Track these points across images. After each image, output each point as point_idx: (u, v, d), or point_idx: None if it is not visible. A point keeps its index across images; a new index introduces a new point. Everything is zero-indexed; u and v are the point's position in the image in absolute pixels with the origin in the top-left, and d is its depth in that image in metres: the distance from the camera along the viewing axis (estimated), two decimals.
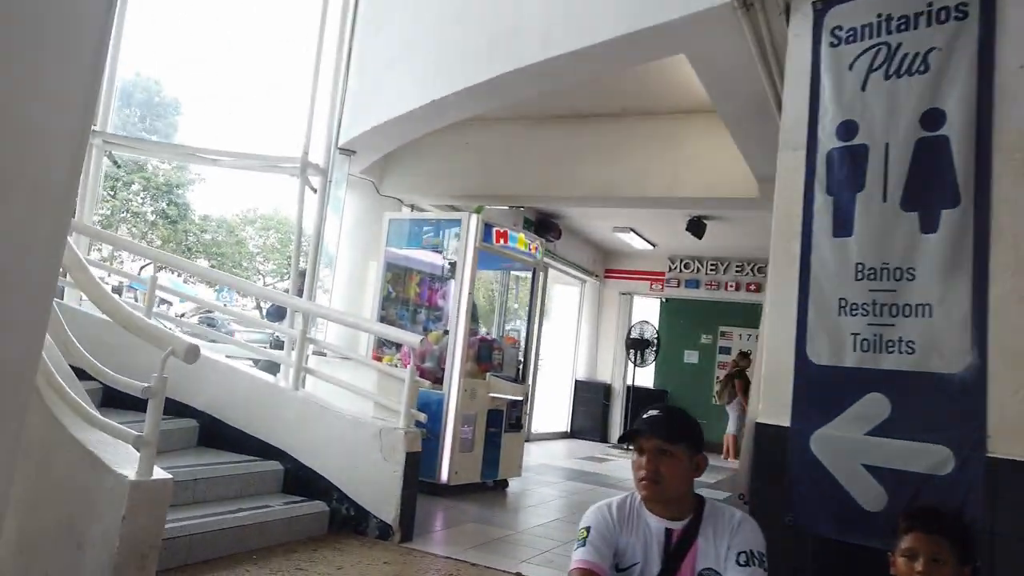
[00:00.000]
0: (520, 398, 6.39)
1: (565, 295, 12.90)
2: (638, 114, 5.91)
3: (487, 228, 6.02)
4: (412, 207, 7.41)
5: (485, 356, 6.33)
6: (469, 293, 5.92)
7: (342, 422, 4.46)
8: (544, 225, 9.72)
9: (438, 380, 6.01)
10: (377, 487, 4.32)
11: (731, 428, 11.73)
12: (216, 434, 4.71)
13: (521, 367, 6.73)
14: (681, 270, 12.25)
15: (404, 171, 7.06)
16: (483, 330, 6.78)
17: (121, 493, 2.75)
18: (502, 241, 6.14)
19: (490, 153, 6.69)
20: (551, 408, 12.19)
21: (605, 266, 12.87)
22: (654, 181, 5.86)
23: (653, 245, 11.61)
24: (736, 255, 11.72)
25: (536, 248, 6.63)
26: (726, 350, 13.27)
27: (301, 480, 4.49)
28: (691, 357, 13.56)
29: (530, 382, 6.77)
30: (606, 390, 12.49)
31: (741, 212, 8.53)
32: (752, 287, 11.73)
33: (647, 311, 13.62)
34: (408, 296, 6.71)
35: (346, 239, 6.95)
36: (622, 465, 9.50)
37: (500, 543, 4.63)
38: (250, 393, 4.72)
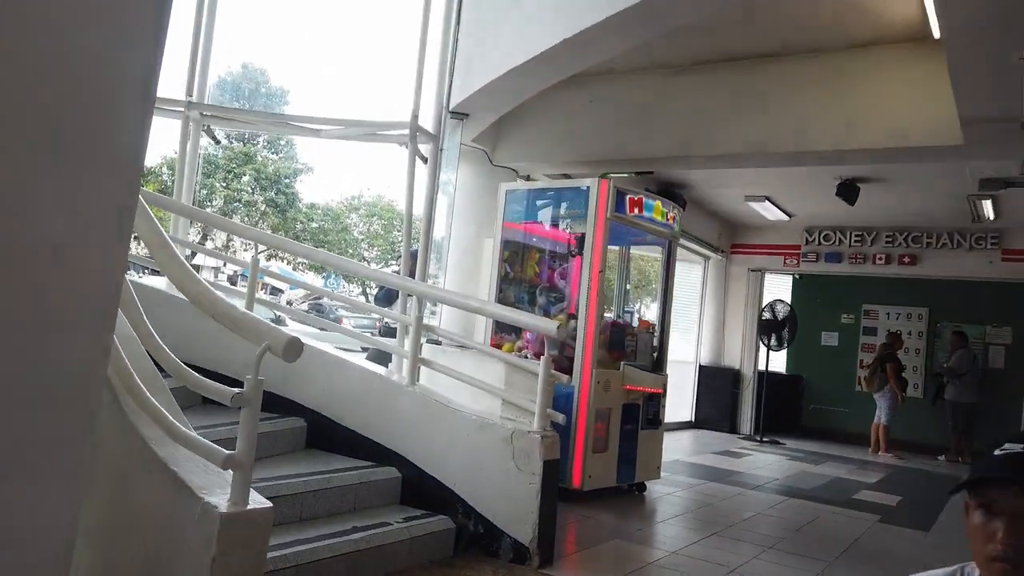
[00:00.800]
0: (659, 390, 5.58)
1: (687, 273, 11.89)
2: (801, 51, 4.94)
3: (619, 196, 5.22)
4: (527, 178, 6.70)
5: (618, 343, 5.55)
6: (600, 271, 5.15)
7: (466, 423, 3.80)
8: (668, 196, 8.76)
9: (563, 370, 5.28)
10: (510, 500, 3.64)
11: (883, 418, 10.46)
12: (325, 435, 4.17)
13: (656, 355, 5.91)
14: (820, 242, 10.99)
15: (520, 137, 6.35)
16: (611, 314, 6.00)
17: (210, 527, 2.17)
18: (636, 210, 5.33)
19: (618, 111, 5.86)
20: (675, 396, 11.25)
21: (732, 241, 11.76)
22: (820, 132, 4.88)
23: (789, 216, 10.43)
24: (887, 223, 10.37)
25: (674, 218, 5.77)
26: (871, 331, 11.93)
27: (421, 490, 3.88)
28: (830, 339, 12.29)
29: (667, 372, 5.93)
30: (734, 376, 11.44)
31: (912, 170, 7.32)
32: (906, 259, 10.36)
33: (779, 289, 12.42)
34: (526, 276, 6.01)
35: (458, 215, 6.31)
36: (761, 460, 8.51)
37: (659, 570, 3.86)
38: (361, 388, 4.15)
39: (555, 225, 5.83)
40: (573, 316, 5.46)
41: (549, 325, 3.67)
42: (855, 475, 8.15)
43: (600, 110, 5.92)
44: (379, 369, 4.36)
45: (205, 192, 27.70)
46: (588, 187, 5.25)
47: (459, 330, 5.70)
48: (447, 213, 6.12)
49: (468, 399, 4.08)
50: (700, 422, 11.40)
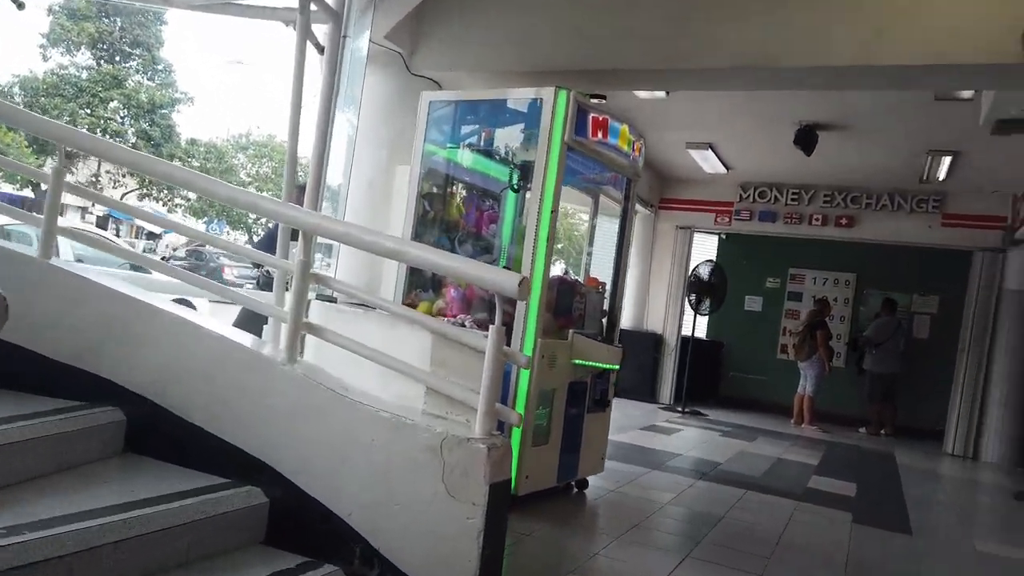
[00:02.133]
0: (614, 365, 4.47)
1: (611, 227, 10.87)
2: None
3: (581, 114, 3.98)
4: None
5: (565, 306, 4.38)
6: (553, 211, 3.92)
7: (371, 421, 2.53)
8: None
9: None
10: (435, 541, 2.42)
11: (809, 389, 9.90)
12: (157, 432, 2.79)
13: (606, 321, 4.78)
14: (755, 199, 10.19)
15: (445, 37, 4.97)
16: (557, 269, 4.83)
17: None
18: (600, 134, 4.11)
19: (574, 6, 4.59)
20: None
21: (661, 195, 10.81)
22: (842, 41, 3.80)
23: (727, 168, 9.54)
24: (828, 181, 9.65)
25: (640, 149, 4.60)
26: (796, 296, 11.39)
27: (299, 522, 2.59)
28: (753, 304, 11.68)
29: (618, 342, 4.83)
30: (656, 342, 10.60)
31: (886, 115, 6.48)
32: (843, 221, 9.70)
33: (705, 249, 11.64)
34: (450, 218, 4.72)
35: (365, 135, 4.93)
36: (692, 438, 7.66)
37: None
38: (215, 366, 2.78)
39: (489, 151, 4.55)
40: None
41: (508, 280, 2.42)
42: (794, 454, 7.44)
43: (551, 3, 4.62)
44: (247, 339, 2.99)
45: (67, 117, 24.38)
46: (540, 100, 3.98)
47: (362, 285, 4.35)
48: (350, 130, 4.72)
49: (376, 384, 2.79)
50: (619, 391, 10.47)
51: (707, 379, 11.55)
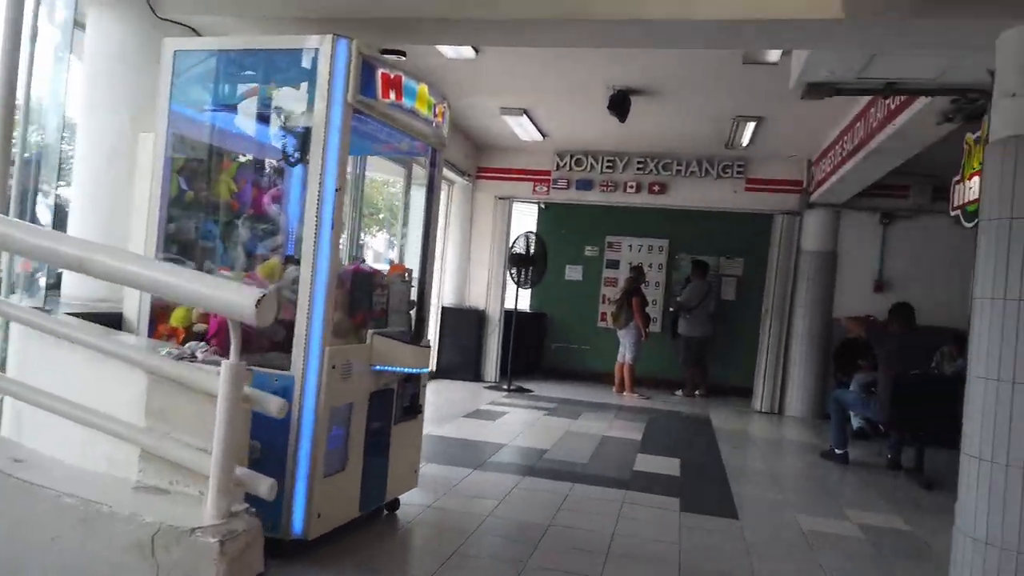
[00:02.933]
0: (423, 369, 3.84)
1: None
2: None
3: (367, 68, 3.26)
4: None
5: (363, 300, 3.69)
6: (338, 188, 3.20)
7: (54, 512, 1.73)
8: None
9: (278, 347, 3.34)
10: None
11: (628, 356, 9.92)
12: None
13: (417, 314, 4.15)
14: (571, 167, 9.95)
15: None
16: (347, 258, 4.13)
17: None
18: (393, 95, 3.42)
19: None
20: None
21: (478, 163, 10.29)
22: None
23: (543, 135, 9.18)
24: (640, 148, 9.60)
25: (443, 114, 3.95)
26: (614, 264, 11.41)
27: None
28: (574, 273, 11.58)
29: (432, 338, 4.24)
30: (479, 318, 10.16)
31: (694, 79, 6.31)
32: (656, 188, 9.72)
33: (526, 220, 11.34)
34: (217, 197, 3.85)
35: (98, 95, 3.91)
36: (518, 421, 7.30)
37: None
38: None
39: (266, 115, 3.71)
40: (294, 260, 3.48)
41: (239, 299, 1.70)
42: (619, 430, 7.29)
43: None
44: None
45: None
46: (316, 49, 3.21)
47: (102, 288, 3.38)
48: (66, 85, 3.68)
49: (77, 444, 1.97)
50: (442, 371, 10.00)
51: (532, 353, 11.35)
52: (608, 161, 9.83)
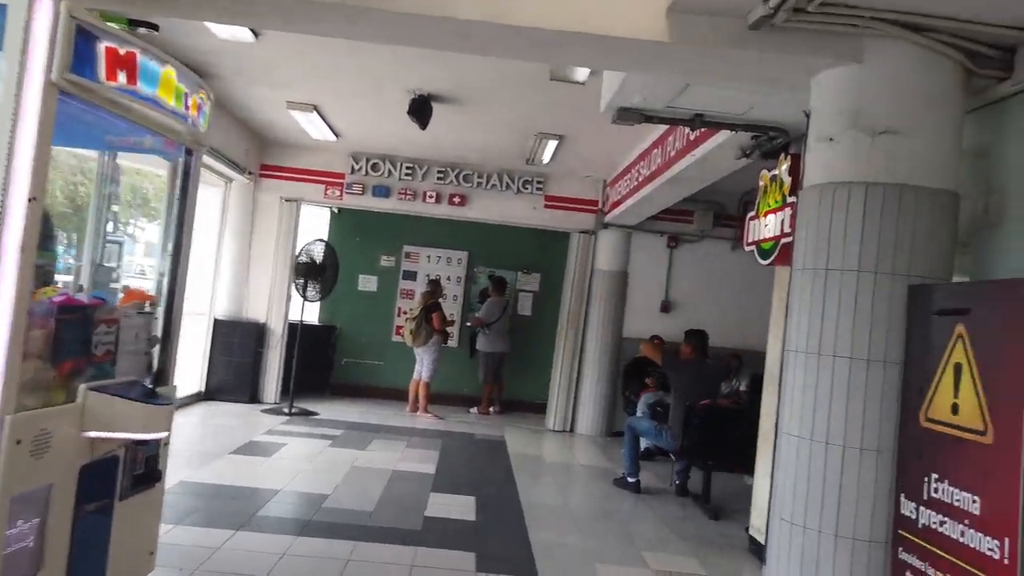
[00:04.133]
0: (160, 434, 3.00)
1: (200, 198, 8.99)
2: None
3: (83, 37, 2.42)
4: None
5: (73, 342, 2.79)
6: (32, 199, 2.32)
7: None
8: None
9: None
10: None
11: (424, 374, 9.41)
12: None
13: (161, 355, 3.30)
14: (368, 172, 9.26)
15: None
16: (63, 281, 3.20)
17: None
18: (124, 77, 2.58)
19: None
20: (181, 361, 8.47)
21: (262, 160, 9.24)
22: None
23: (337, 136, 8.40)
24: (441, 157, 9.14)
25: (200, 106, 3.14)
26: (411, 275, 10.87)
27: None
28: (368, 283, 10.86)
29: (175, 381, 3.41)
30: (259, 332, 9.13)
31: (500, 91, 5.94)
32: (456, 200, 9.31)
33: (315, 225, 10.43)
34: None
35: None
36: (297, 455, 6.49)
37: None
38: None
39: None
40: None
41: None
42: (411, 461, 6.73)
43: None
44: None
45: None
46: (3, 6, 2.31)
47: None
48: None
49: None
50: (213, 392, 8.85)
51: (319, 369, 10.47)
52: (408, 168, 9.26)
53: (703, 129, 5.33)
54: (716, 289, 9.41)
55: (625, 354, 9.28)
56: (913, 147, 2.87)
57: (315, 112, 7.29)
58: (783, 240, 4.34)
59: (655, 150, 6.83)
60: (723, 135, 4.88)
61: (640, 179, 7.43)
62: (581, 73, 5.26)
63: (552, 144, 7.62)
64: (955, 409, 2.36)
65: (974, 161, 3.10)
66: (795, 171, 4.32)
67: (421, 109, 6.37)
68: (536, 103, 6.32)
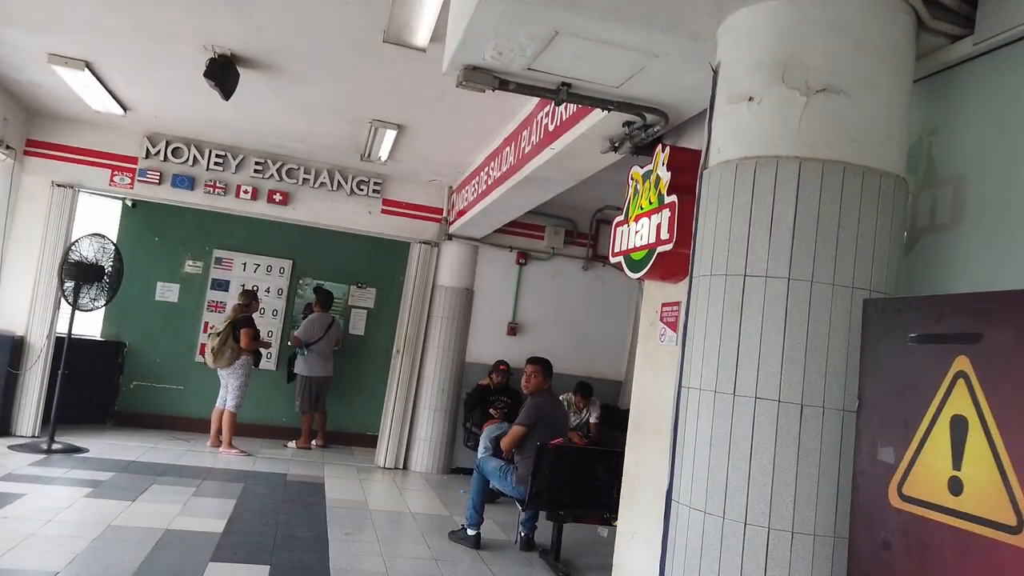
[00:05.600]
0: None
1: None
2: None
3: None
4: None
5: None
6: None
7: None
8: None
9: None
10: None
11: (230, 402, 7.95)
12: None
13: None
14: (168, 157, 7.72)
15: None
16: None
17: None
18: None
19: None
20: None
21: (29, 134, 7.45)
22: None
23: (125, 109, 6.85)
24: (259, 146, 7.80)
25: None
26: (222, 284, 9.32)
27: None
28: (168, 293, 9.18)
29: None
30: (15, 347, 7.28)
31: (320, 54, 4.78)
32: (278, 197, 7.99)
33: (101, 218, 8.66)
34: None
35: None
36: (42, 508, 4.88)
37: None
38: None
39: None
40: None
41: None
42: (194, 517, 5.32)
43: None
44: None
45: None
46: None
47: None
48: None
49: None
50: None
51: (99, 394, 8.66)
52: (218, 156, 7.82)
53: (561, 119, 4.54)
54: (567, 311, 8.70)
55: (468, 380, 8.32)
56: (860, 113, 2.12)
57: (87, 70, 5.76)
58: (660, 248, 3.55)
59: (506, 148, 5.96)
60: (588, 123, 4.06)
61: (490, 182, 6.53)
62: (420, 34, 4.26)
63: (390, 135, 6.55)
64: (956, 487, 1.56)
65: (916, 144, 2.40)
66: (676, 163, 3.57)
67: (223, 74, 5.10)
68: (368, 77, 5.25)
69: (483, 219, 7.36)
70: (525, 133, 5.42)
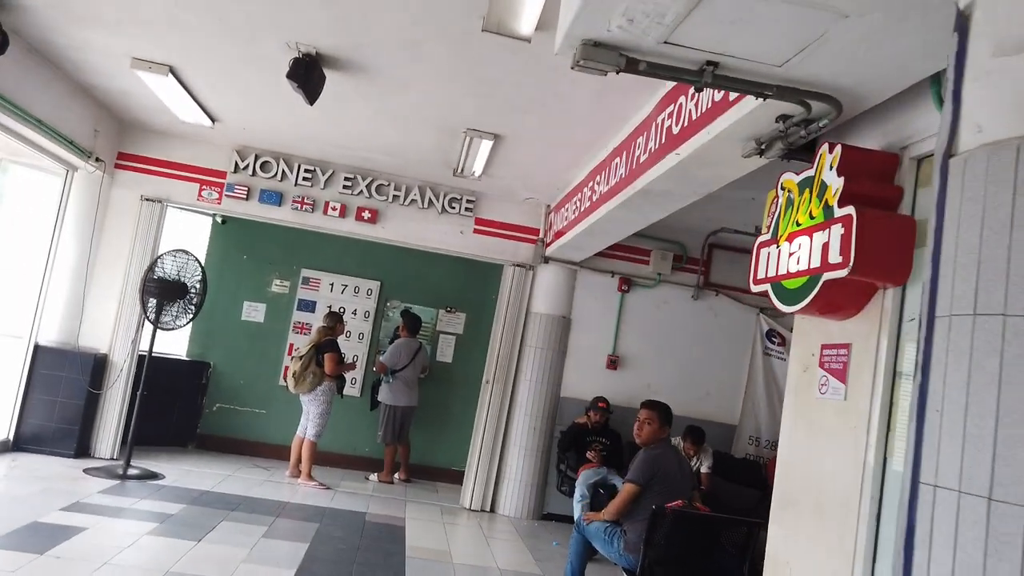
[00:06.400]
0: None
1: (39, 186, 7.00)
2: None
3: None
4: None
5: None
6: None
7: None
8: None
9: None
10: None
11: (311, 431, 7.50)
12: None
13: None
14: (256, 171, 7.42)
15: None
16: None
17: None
18: None
19: None
20: None
21: (120, 147, 7.32)
22: None
23: (212, 120, 6.57)
24: (348, 160, 7.40)
25: None
26: (309, 305, 8.96)
27: None
28: (254, 313, 8.89)
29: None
30: (97, 365, 7.07)
31: (425, 63, 4.26)
32: (367, 215, 7.55)
33: (190, 235, 8.48)
34: None
35: None
36: (110, 543, 4.44)
37: None
38: None
39: None
40: None
41: None
42: (261, 564, 4.79)
43: None
44: None
45: None
46: None
47: None
48: None
49: None
50: (27, 440, 6.76)
51: (183, 415, 8.43)
52: (307, 171, 7.47)
53: (687, 119, 3.80)
54: (673, 344, 7.84)
55: (562, 417, 7.58)
56: None
57: (171, 75, 5.45)
58: (828, 274, 2.75)
59: (616, 159, 5.25)
60: (729, 119, 3.31)
61: (594, 198, 5.84)
62: (526, 21, 3.64)
63: (486, 146, 5.97)
64: None
65: None
66: (851, 166, 2.77)
67: (307, 75, 4.65)
68: (463, 77, 4.68)
69: (584, 240, 6.66)
70: (640, 140, 4.70)
